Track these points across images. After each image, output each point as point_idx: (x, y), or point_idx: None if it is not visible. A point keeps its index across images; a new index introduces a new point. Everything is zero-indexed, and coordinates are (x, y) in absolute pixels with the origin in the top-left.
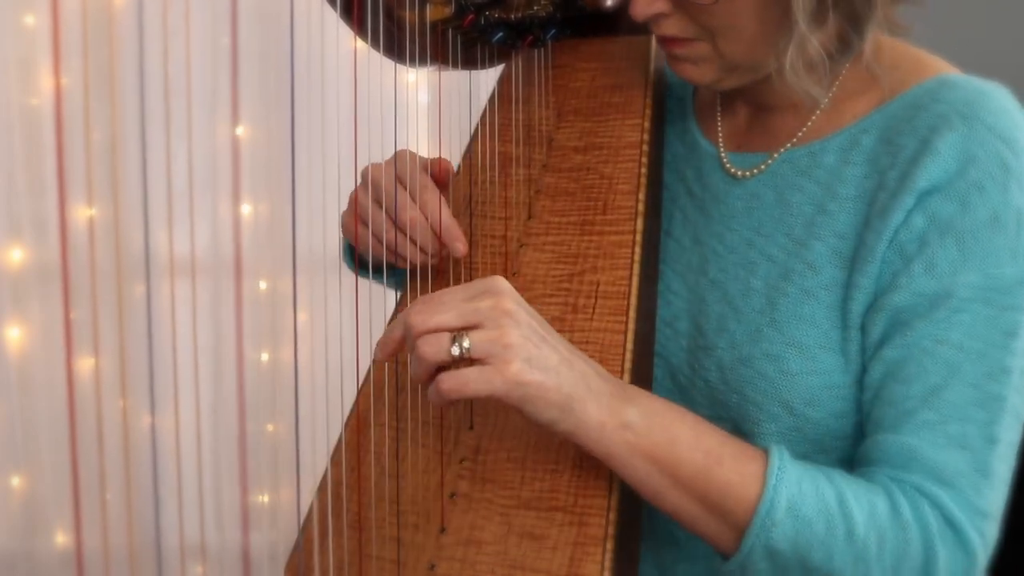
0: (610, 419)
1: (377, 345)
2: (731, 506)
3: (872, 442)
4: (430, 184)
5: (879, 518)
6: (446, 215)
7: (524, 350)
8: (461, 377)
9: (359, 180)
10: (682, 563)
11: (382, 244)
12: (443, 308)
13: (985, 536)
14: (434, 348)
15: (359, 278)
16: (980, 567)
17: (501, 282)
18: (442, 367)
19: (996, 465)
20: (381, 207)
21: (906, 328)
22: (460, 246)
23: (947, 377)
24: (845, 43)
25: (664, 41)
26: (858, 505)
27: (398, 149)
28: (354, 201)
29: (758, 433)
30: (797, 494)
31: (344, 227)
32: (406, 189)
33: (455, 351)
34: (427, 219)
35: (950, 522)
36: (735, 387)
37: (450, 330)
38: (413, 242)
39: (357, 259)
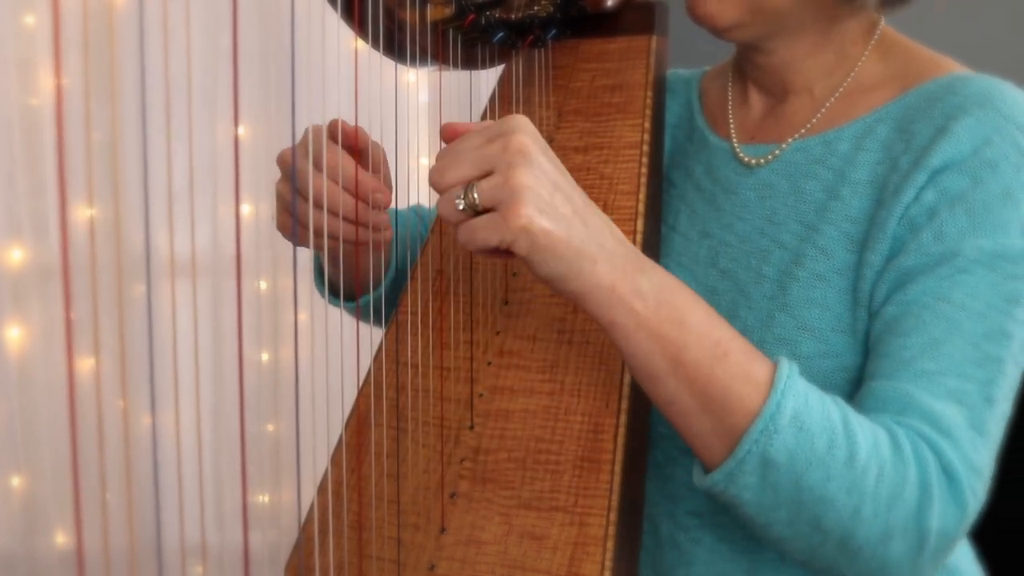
0: (621, 283)
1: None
2: (732, 405)
3: (866, 389)
4: (337, 149)
5: (881, 449)
6: (360, 173)
7: (534, 194)
8: (469, 228)
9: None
10: (680, 567)
11: (308, 229)
12: (458, 159)
13: (977, 494)
14: (447, 208)
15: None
16: (969, 523)
17: (518, 118)
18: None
19: (991, 426)
20: (294, 189)
21: (908, 284)
22: (380, 196)
23: (947, 332)
24: None
25: None
26: (862, 432)
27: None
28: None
29: None
30: (803, 405)
31: (277, 223)
32: (313, 163)
33: (460, 206)
34: (339, 184)
35: (948, 471)
36: None
37: (465, 182)
38: (322, 209)
39: (333, 283)
